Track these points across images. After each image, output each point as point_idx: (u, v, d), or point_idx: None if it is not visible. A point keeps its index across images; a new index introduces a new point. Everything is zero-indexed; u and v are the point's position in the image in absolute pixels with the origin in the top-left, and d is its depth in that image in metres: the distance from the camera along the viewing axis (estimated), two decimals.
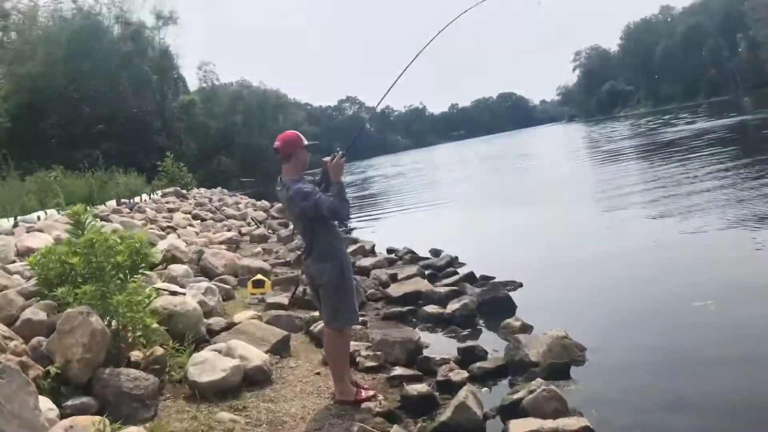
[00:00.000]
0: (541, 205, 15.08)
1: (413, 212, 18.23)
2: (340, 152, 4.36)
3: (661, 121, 47.43)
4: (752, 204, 10.16)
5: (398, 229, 14.91)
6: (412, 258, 9.81)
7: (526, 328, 5.73)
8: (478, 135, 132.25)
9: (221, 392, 4.52)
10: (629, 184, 15.61)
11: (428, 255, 9.97)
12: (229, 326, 6.00)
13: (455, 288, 7.29)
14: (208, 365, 4.65)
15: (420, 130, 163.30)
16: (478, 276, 8.02)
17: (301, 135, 4.44)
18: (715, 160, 16.90)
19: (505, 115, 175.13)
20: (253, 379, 4.80)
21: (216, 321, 6.12)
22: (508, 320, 5.87)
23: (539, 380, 4.16)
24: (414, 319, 6.69)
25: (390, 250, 10.78)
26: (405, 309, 6.83)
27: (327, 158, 4.43)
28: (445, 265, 8.86)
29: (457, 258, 9.26)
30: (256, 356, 4.95)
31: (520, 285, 7.53)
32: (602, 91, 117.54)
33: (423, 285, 7.55)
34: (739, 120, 32.87)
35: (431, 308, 6.67)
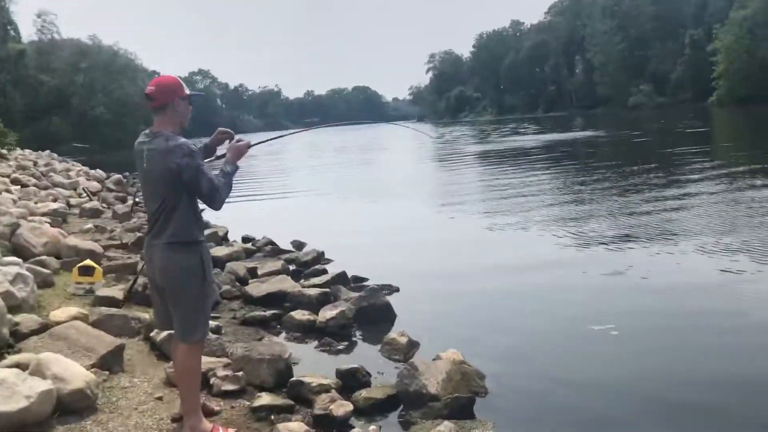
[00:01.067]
0: (400, 202, 14.74)
1: (267, 200, 17.00)
2: (251, 141, 3.67)
3: (505, 129, 49.61)
4: (626, 217, 10.35)
5: (251, 216, 13.58)
6: (273, 250, 8.74)
7: (413, 345, 4.95)
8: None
9: (21, 428, 3.30)
10: (482, 188, 15.77)
11: (290, 248, 8.99)
12: (44, 328, 4.70)
13: (326, 290, 6.37)
14: (6, 389, 3.39)
15: (273, 112, 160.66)
16: (350, 276, 7.18)
17: (182, 82, 3.40)
18: (572, 170, 17.49)
19: (359, 108, 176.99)
20: (71, 407, 3.61)
21: (26, 320, 4.77)
22: (392, 335, 5.06)
23: (447, 424, 3.41)
24: (278, 326, 5.69)
25: (246, 239, 9.64)
26: (268, 313, 5.80)
27: (226, 129, 3.72)
28: (312, 261, 7.90)
29: (323, 253, 8.33)
30: (78, 376, 3.73)
31: (397, 290, 6.76)
32: (452, 95, 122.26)
33: (289, 284, 6.54)
34: (577, 136, 35.14)
35: (300, 314, 5.70)
